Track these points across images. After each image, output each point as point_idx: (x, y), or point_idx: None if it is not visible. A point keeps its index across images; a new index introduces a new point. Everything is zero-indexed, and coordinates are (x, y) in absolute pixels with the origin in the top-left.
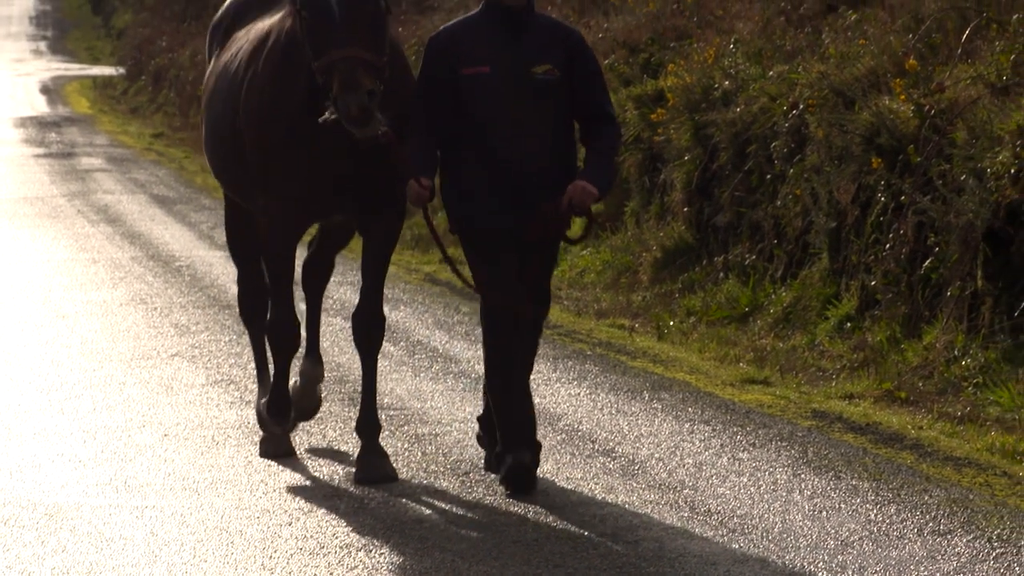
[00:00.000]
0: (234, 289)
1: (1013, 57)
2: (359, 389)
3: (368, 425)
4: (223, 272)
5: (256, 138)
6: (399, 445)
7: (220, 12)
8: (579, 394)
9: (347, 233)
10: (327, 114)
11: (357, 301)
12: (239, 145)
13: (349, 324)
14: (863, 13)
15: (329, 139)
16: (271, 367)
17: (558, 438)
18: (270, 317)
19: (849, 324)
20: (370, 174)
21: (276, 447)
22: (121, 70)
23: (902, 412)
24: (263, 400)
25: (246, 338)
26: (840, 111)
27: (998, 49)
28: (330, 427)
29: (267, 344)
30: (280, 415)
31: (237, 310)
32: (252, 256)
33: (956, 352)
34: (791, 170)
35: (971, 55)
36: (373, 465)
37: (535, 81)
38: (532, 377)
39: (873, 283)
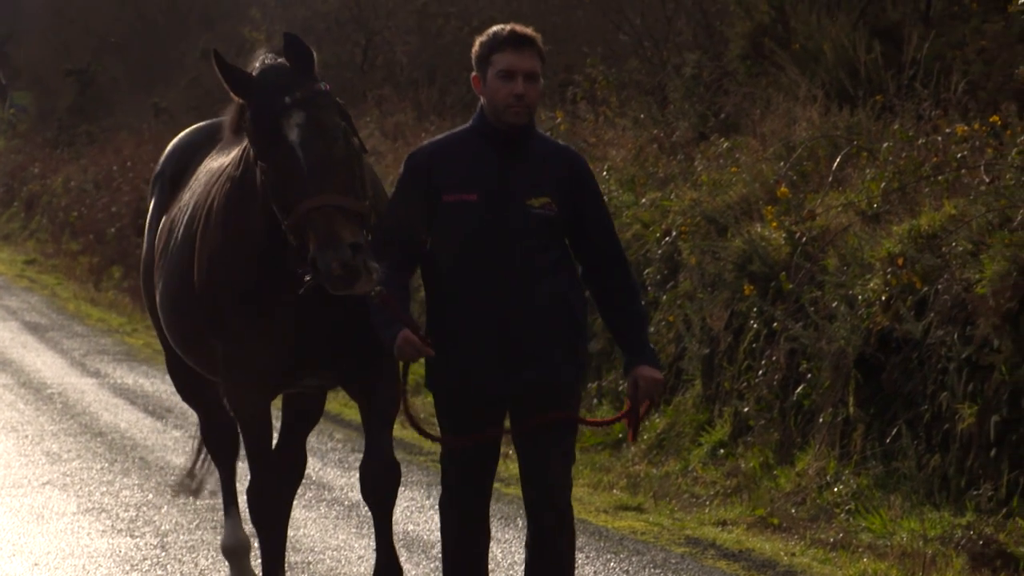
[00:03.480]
0: (107, 416)
1: (883, 185)
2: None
3: None
4: (95, 399)
5: (211, 292)
6: None
7: (161, 161)
8: None
9: (318, 406)
10: (306, 280)
11: (364, 449)
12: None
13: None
14: (735, 141)
15: (290, 292)
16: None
17: (431, 566)
18: (249, 486)
19: (722, 450)
20: (344, 329)
21: None
22: None
23: (775, 538)
24: (230, 543)
25: (118, 465)
26: (712, 238)
27: (868, 177)
28: None
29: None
30: None
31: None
32: (209, 397)
33: (828, 478)
34: (664, 296)
35: (842, 183)
36: None
37: (530, 215)
38: (407, 506)
39: (746, 409)
